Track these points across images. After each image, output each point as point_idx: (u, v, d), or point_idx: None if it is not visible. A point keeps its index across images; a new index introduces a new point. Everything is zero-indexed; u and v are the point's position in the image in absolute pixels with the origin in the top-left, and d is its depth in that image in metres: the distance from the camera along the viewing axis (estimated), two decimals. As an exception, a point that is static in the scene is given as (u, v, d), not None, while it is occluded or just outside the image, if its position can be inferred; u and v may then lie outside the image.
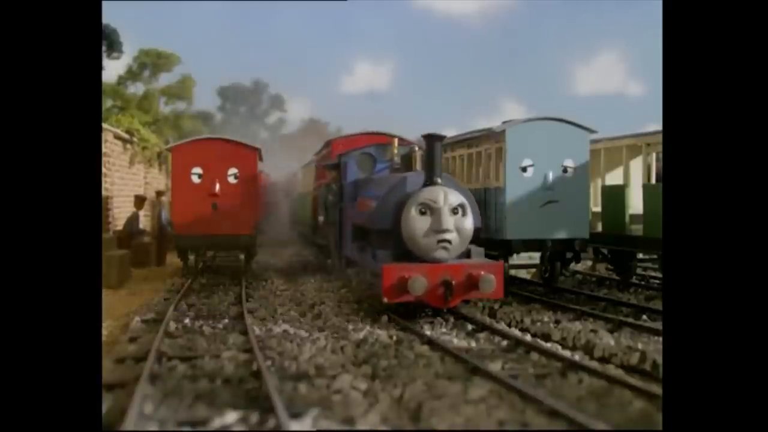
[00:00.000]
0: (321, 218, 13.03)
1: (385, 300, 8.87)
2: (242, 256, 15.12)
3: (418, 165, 10.96)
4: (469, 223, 9.22)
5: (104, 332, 8.81)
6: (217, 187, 14.17)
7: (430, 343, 7.82)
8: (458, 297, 9.09)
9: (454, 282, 8.93)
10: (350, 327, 9.05)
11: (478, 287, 8.93)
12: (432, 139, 9.42)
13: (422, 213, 9.05)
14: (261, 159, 15.34)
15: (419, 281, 8.71)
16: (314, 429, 4.92)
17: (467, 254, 9.54)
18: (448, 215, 9.02)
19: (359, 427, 4.98)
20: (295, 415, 5.10)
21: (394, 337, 8.34)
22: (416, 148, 10.98)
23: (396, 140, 12.22)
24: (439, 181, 9.32)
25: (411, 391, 5.81)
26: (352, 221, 11.21)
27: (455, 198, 9.14)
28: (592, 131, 12.09)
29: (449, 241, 9.05)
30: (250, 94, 65.58)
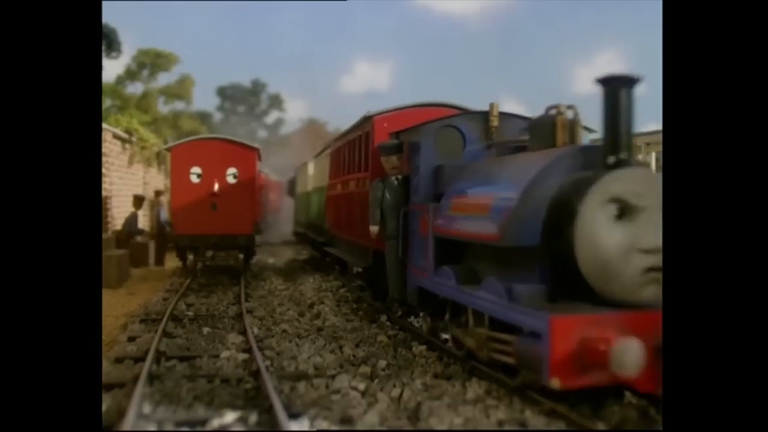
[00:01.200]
0: (373, 228, 8.80)
1: (556, 384, 4.67)
2: (241, 256, 15.13)
3: (559, 137, 6.33)
4: None
5: (103, 332, 8.80)
6: (216, 186, 14.16)
7: (429, 342, 7.82)
8: None
9: None
10: (349, 326, 9.05)
11: None
12: (616, 85, 5.26)
13: (617, 216, 5.05)
14: (260, 159, 15.33)
15: (634, 351, 4.47)
16: (313, 429, 4.92)
17: None
18: (660, 221, 4.80)
19: (358, 427, 4.98)
20: (294, 415, 5.10)
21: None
22: (562, 110, 6.33)
23: (495, 106, 7.99)
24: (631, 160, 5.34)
25: (410, 391, 5.81)
26: (436, 232, 7.09)
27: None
28: (591, 131, 12.07)
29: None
30: (249, 94, 65.61)
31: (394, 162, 8.79)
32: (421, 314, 8.49)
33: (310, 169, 21.65)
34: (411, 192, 8.22)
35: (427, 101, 10.47)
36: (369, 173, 9.97)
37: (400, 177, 8.71)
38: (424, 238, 7.51)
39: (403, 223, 8.25)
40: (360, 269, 11.10)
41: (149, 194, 22.52)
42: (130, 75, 39.06)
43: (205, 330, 8.78)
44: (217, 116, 60.94)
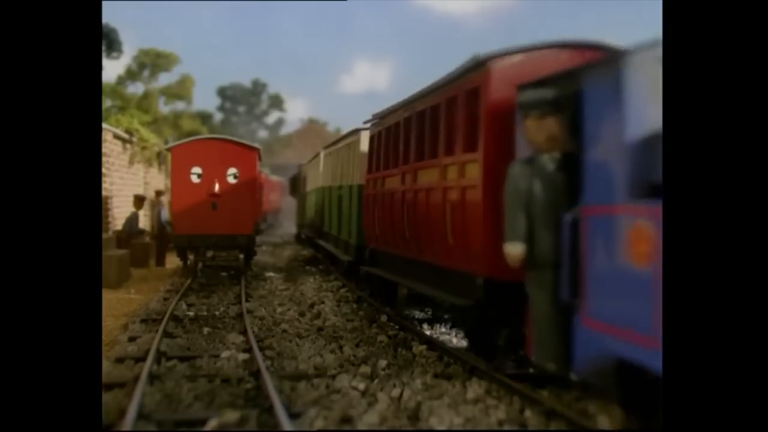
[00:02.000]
0: (516, 248, 5.30)
1: None
2: (241, 256, 15.14)
3: None
4: None
5: (103, 332, 8.80)
6: (217, 187, 14.17)
7: (429, 342, 7.82)
8: None
9: None
10: (349, 326, 9.06)
11: None
12: None
13: None
14: (260, 159, 15.34)
15: None
16: (313, 429, 4.92)
17: None
18: None
19: (358, 427, 4.98)
20: (294, 415, 5.10)
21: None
22: None
23: None
24: None
25: (410, 390, 5.81)
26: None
27: None
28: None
29: None
30: (249, 94, 65.66)
31: (551, 129, 5.24)
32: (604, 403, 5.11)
33: (321, 162, 18.19)
34: (586, 182, 4.90)
35: (567, 40, 6.49)
36: (481, 153, 6.32)
37: (558, 156, 5.32)
38: (634, 271, 4.24)
39: (572, 239, 4.96)
40: (450, 304, 7.26)
41: (150, 194, 22.53)
42: (131, 75, 39.07)
43: (206, 330, 8.79)
44: (218, 116, 61.03)
